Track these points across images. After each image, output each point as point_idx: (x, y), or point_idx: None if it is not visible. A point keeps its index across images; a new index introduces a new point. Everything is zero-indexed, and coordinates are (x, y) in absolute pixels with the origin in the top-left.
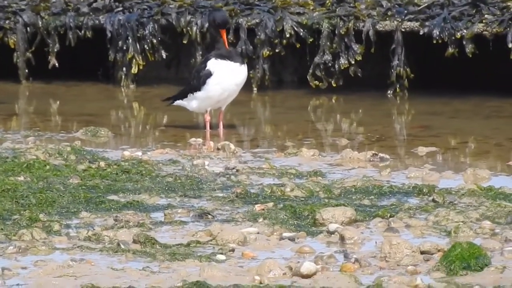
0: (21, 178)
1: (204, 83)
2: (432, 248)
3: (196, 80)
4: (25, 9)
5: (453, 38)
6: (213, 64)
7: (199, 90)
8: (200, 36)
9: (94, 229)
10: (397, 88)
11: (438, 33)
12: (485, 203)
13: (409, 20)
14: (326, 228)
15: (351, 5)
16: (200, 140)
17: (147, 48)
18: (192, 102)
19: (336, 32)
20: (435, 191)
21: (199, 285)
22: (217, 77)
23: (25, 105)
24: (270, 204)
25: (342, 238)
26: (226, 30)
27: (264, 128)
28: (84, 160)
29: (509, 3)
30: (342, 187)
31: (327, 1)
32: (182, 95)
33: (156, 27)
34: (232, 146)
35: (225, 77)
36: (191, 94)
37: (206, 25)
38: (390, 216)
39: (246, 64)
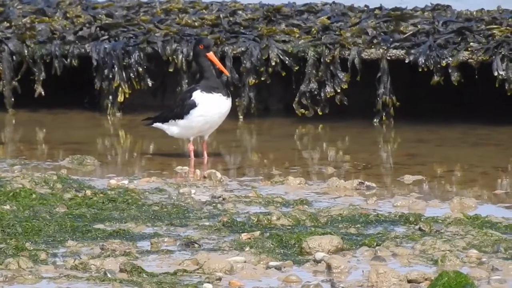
0: (7, 206)
1: (187, 112)
2: (419, 276)
3: (179, 108)
4: (11, 37)
5: (439, 66)
6: (198, 95)
7: (182, 118)
8: (186, 64)
9: (80, 258)
10: (383, 116)
11: (423, 61)
12: (472, 232)
13: (395, 48)
14: (313, 257)
15: (337, 33)
16: (186, 168)
17: (133, 76)
18: (172, 128)
19: (322, 60)
20: (422, 219)
21: None
22: (201, 109)
23: (11, 133)
24: (257, 233)
25: (329, 267)
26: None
27: (250, 156)
28: (71, 189)
29: (494, 31)
30: (328, 215)
31: (313, 29)
32: (163, 119)
33: (142, 55)
34: (218, 174)
35: (209, 109)
36: (173, 121)
37: (192, 53)
38: (377, 245)
39: (230, 97)
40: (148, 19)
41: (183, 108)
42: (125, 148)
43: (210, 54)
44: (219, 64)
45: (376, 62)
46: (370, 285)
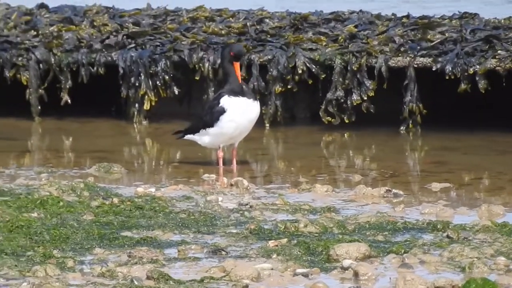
0: (35, 214)
1: (217, 119)
2: (447, 284)
3: (209, 116)
4: (37, 46)
5: (466, 73)
6: (226, 101)
7: (212, 126)
8: (212, 72)
9: (108, 266)
10: (410, 124)
11: (451, 68)
12: (500, 239)
13: (422, 56)
14: (340, 264)
15: (364, 41)
16: (213, 176)
17: (160, 84)
18: (204, 138)
19: (349, 68)
20: (450, 227)
21: None
22: (231, 114)
23: (38, 141)
24: (284, 240)
25: (356, 274)
26: (239, 64)
27: (277, 164)
28: (98, 197)
29: None
30: (356, 223)
31: (340, 37)
32: (194, 130)
33: (168, 63)
34: (245, 182)
35: (239, 114)
36: (204, 130)
37: (218, 61)
38: (404, 252)
39: (258, 101)
40: (175, 27)
41: (212, 116)
42: (151, 156)
43: (237, 64)
44: (238, 73)
45: (403, 70)
46: None
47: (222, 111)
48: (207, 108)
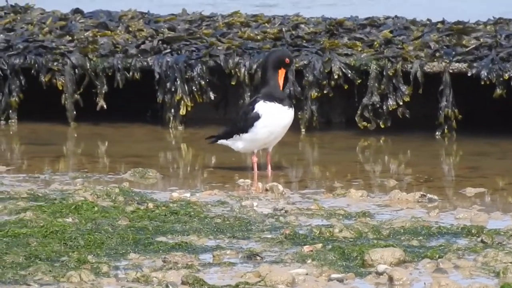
0: (69, 219)
1: (251, 125)
2: None
3: (243, 122)
4: (73, 51)
5: (501, 79)
6: (261, 106)
7: (246, 132)
8: (248, 78)
9: (142, 271)
10: (445, 129)
11: (486, 74)
12: None
13: (457, 61)
14: (375, 269)
15: (399, 46)
16: (248, 181)
17: (195, 89)
18: (238, 143)
19: (384, 73)
20: (484, 232)
21: None
22: (265, 120)
23: (73, 146)
24: (319, 245)
25: (390, 279)
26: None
27: (312, 169)
28: (133, 202)
29: None
30: (390, 228)
31: (375, 43)
32: (227, 135)
33: (204, 68)
34: (280, 187)
35: (273, 120)
36: (237, 135)
37: (255, 66)
38: (439, 257)
39: (293, 107)
40: (211, 32)
41: (246, 122)
42: (187, 161)
43: (283, 71)
44: (281, 80)
45: (438, 75)
46: None
47: (257, 117)
48: (241, 114)
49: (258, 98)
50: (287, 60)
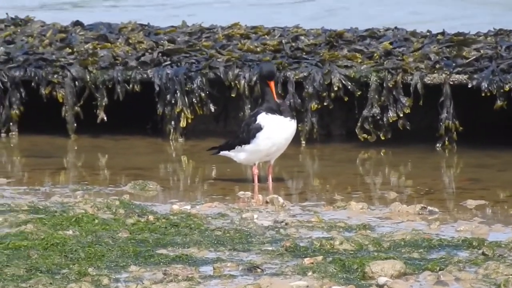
0: (70, 232)
1: (253, 136)
2: None
3: (245, 133)
4: (73, 63)
5: (502, 90)
6: (263, 118)
7: (248, 143)
8: (248, 90)
9: (143, 283)
10: (446, 141)
11: (486, 85)
12: None
13: (457, 73)
14: (376, 282)
15: (399, 58)
16: (249, 193)
17: (196, 101)
18: (239, 154)
19: (384, 85)
20: (485, 244)
21: None
22: (267, 131)
23: (73, 159)
24: (319, 258)
25: None
26: (274, 82)
27: (312, 182)
28: (133, 214)
29: None
30: (391, 240)
31: (375, 54)
32: (229, 147)
33: (204, 80)
34: (280, 199)
35: (275, 131)
36: (239, 147)
37: (254, 78)
38: (440, 270)
39: (295, 119)
40: (210, 44)
41: (249, 133)
42: (187, 173)
43: (271, 83)
44: (273, 92)
45: (439, 87)
46: None
47: (259, 128)
48: (244, 125)
49: (260, 110)
50: (265, 73)
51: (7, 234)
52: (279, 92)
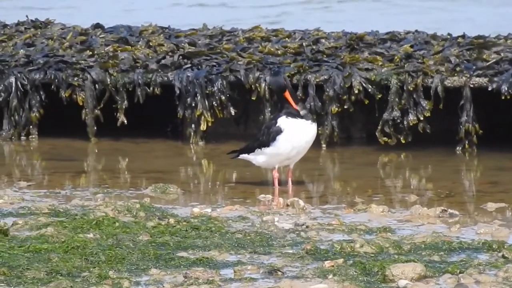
0: (91, 235)
1: (274, 139)
2: None
3: (265, 136)
4: (93, 66)
5: None
6: (283, 121)
7: (268, 146)
8: (269, 93)
9: (163, 286)
10: (466, 144)
11: (506, 88)
12: None
13: (478, 75)
14: (396, 284)
15: (420, 61)
16: (269, 196)
17: (216, 104)
18: (259, 157)
19: (405, 88)
20: (505, 247)
21: None
22: (287, 134)
23: (93, 162)
24: (340, 261)
25: None
26: (289, 91)
27: (333, 185)
28: (154, 217)
29: None
30: (411, 243)
31: (396, 57)
32: (249, 150)
33: (224, 83)
34: (301, 202)
35: (295, 134)
36: (259, 150)
37: None
38: (460, 272)
39: (316, 123)
40: (231, 47)
41: (269, 136)
42: (207, 176)
43: (286, 93)
44: (291, 101)
45: (459, 90)
46: None
47: (279, 131)
48: (264, 128)
49: (281, 113)
50: (274, 89)
51: (28, 237)
52: (299, 95)
